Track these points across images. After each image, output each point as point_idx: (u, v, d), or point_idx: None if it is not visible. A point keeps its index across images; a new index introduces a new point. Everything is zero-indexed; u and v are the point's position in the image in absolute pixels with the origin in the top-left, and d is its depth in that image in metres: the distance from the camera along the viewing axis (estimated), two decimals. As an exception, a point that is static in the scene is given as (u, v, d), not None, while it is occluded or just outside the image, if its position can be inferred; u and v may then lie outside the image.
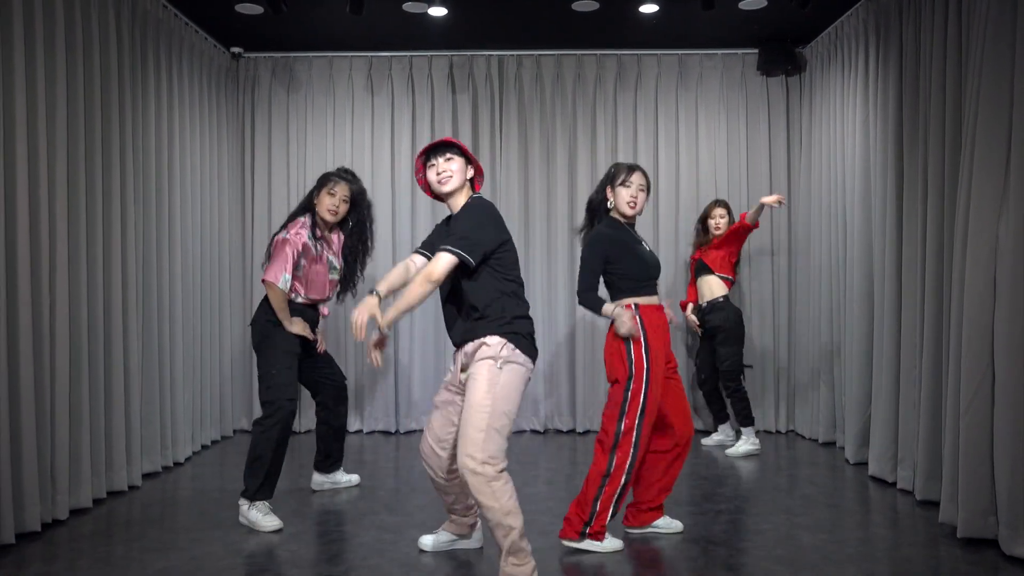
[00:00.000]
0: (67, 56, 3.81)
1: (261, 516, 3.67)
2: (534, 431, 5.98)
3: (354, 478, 4.44)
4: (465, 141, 5.97)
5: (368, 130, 6.01)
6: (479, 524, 3.39)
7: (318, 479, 4.35)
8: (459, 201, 3.00)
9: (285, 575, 3.08)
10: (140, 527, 3.68)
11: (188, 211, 5.11)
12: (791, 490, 4.33)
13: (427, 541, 3.36)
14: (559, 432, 5.94)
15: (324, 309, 4.21)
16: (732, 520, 3.75)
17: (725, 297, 5.24)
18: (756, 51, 5.86)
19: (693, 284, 5.45)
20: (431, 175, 3.00)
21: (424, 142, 5.97)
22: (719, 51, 5.94)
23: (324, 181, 4.02)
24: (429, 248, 3.14)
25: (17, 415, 3.40)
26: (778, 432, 5.93)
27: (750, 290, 5.92)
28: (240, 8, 5.08)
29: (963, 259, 3.41)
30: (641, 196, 3.47)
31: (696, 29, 5.58)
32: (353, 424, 5.98)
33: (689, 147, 5.98)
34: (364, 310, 2.82)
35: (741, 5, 5.07)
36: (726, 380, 5.20)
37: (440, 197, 3.04)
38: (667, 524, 3.58)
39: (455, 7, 5.06)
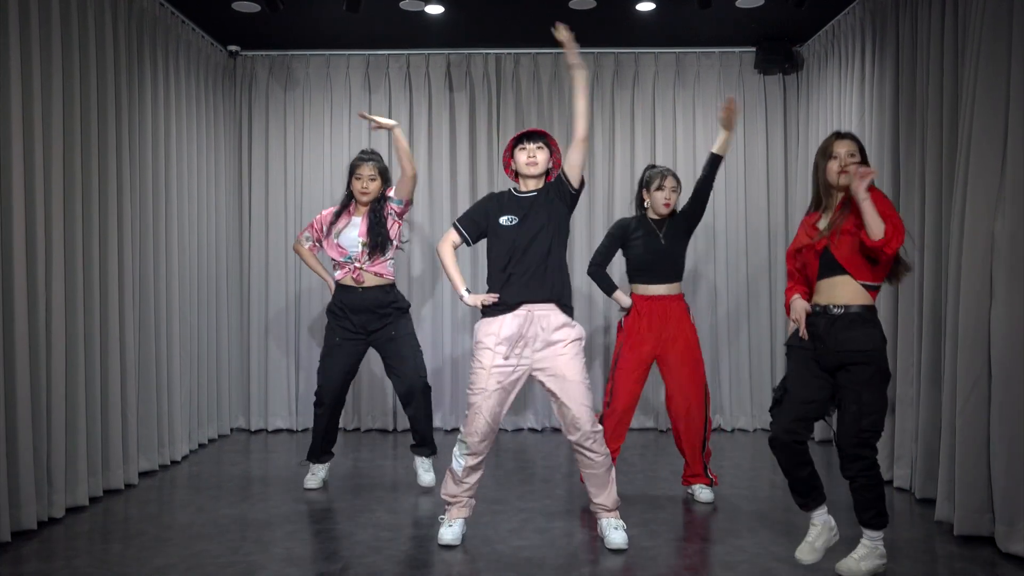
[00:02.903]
0: (63, 54, 3.80)
1: (308, 475, 4.31)
2: (531, 429, 5.98)
3: (426, 479, 4.29)
4: (462, 140, 5.98)
5: (366, 129, 6.00)
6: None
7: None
8: (533, 184, 3.39)
9: (282, 573, 3.08)
10: (137, 525, 3.68)
11: (185, 209, 5.11)
12: (787, 488, 4.32)
13: (449, 535, 3.35)
14: (556, 431, 5.94)
15: (358, 275, 4.16)
16: (730, 518, 3.75)
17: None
18: (753, 49, 5.87)
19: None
20: (521, 157, 3.36)
21: (422, 140, 5.98)
22: (716, 49, 5.94)
23: (351, 167, 4.27)
24: (469, 227, 3.44)
25: (13, 413, 3.40)
26: (775, 430, 5.93)
27: (747, 288, 5.92)
28: (237, 6, 5.07)
29: (959, 257, 3.41)
30: (674, 197, 4.05)
31: (693, 27, 5.58)
32: (351, 422, 5.98)
33: (686, 145, 5.98)
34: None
35: (738, 3, 5.07)
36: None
37: (517, 175, 3.42)
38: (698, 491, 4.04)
39: (452, 5, 5.06)
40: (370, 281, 4.17)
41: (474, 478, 3.38)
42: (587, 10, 5.16)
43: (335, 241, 4.22)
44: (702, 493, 4.01)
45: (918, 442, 3.92)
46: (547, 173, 3.41)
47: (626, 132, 5.99)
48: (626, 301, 4.05)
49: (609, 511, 3.38)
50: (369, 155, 4.27)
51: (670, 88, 5.98)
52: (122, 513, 3.90)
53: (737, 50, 5.93)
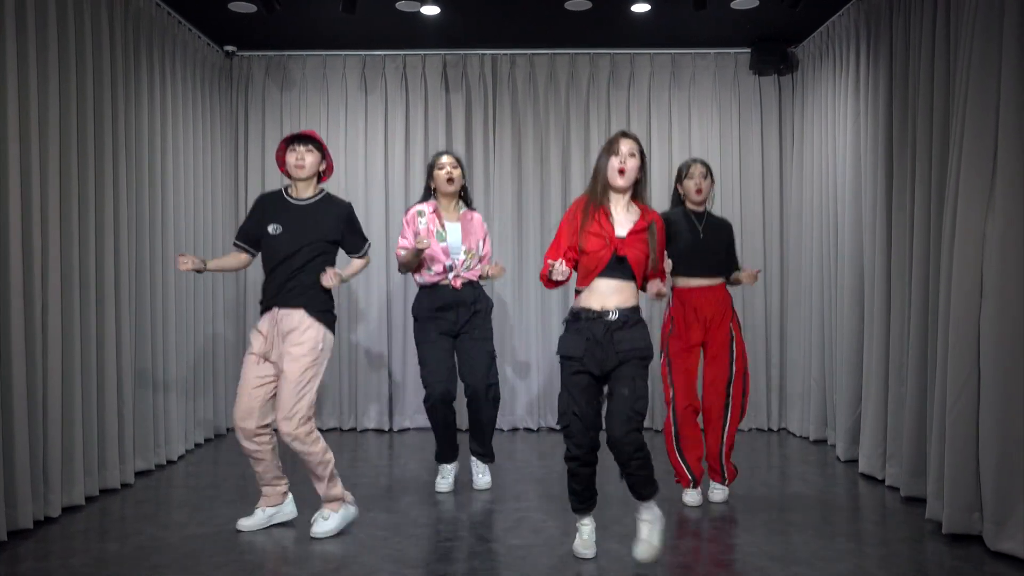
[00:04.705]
0: (59, 54, 3.81)
1: (439, 478, 4.27)
2: (527, 429, 6.00)
3: (480, 482, 4.26)
4: (459, 140, 6.00)
5: (362, 129, 6.02)
6: (290, 493, 3.73)
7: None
8: (308, 189, 3.61)
9: (277, 572, 3.09)
10: (133, 525, 3.69)
11: (181, 210, 5.11)
12: (783, 487, 4.37)
13: (246, 523, 3.58)
14: (552, 431, 5.96)
15: (456, 282, 4.18)
16: (724, 517, 3.77)
17: None
18: (749, 50, 5.88)
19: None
20: (290, 159, 3.55)
21: (418, 141, 6.01)
22: (712, 50, 5.96)
23: (431, 164, 4.32)
24: (246, 240, 3.65)
25: (10, 413, 3.41)
26: (770, 430, 5.96)
27: (742, 289, 5.93)
28: (233, 6, 5.08)
29: (950, 258, 3.44)
30: (705, 184, 4.05)
31: (689, 28, 5.60)
32: (347, 422, 6.00)
33: (682, 146, 6.00)
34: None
35: (733, 5, 5.09)
36: None
37: (290, 175, 3.60)
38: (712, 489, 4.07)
39: (448, 6, 5.08)
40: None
41: (259, 468, 3.57)
42: (583, 11, 5.18)
43: (439, 244, 4.17)
44: (715, 492, 4.03)
45: (904, 441, 3.94)
46: (320, 175, 3.63)
47: (622, 133, 6.00)
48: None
49: (325, 502, 3.57)
50: (444, 150, 4.45)
51: (665, 89, 6.00)
52: (118, 513, 3.91)
53: (732, 51, 5.95)
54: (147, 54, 4.70)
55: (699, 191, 4.05)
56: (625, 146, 3.10)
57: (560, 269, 3.00)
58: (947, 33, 3.71)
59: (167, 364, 4.89)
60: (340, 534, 3.52)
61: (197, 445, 5.37)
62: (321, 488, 3.52)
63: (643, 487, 3.05)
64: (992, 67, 3.29)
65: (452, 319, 4.17)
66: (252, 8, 5.08)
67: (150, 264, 4.67)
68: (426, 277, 4.21)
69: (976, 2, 3.35)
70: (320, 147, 3.60)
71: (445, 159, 4.28)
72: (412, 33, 5.57)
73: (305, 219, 3.53)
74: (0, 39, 3.41)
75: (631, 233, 3.07)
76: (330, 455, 3.51)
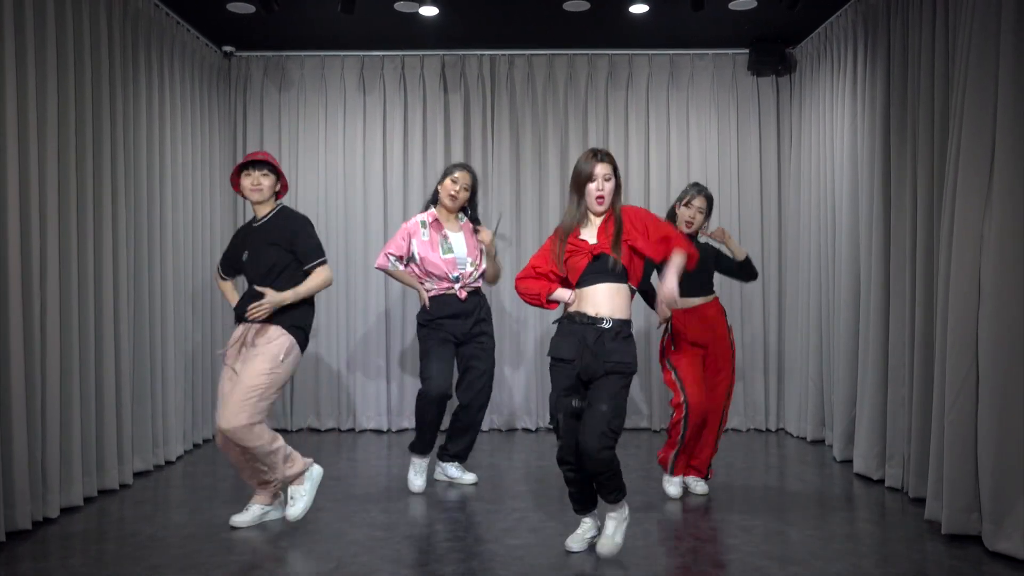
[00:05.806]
0: (58, 54, 3.81)
1: (412, 474, 4.27)
2: (526, 430, 6.00)
3: (468, 477, 4.39)
4: (457, 140, 6.01)
5: (360, 129, 6.02)
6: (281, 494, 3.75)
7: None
8: (266, 208, 3.68)
9: (275, 572, 3.09)
10: (131, 525, 3.69)
11: (179, 210, 5.11)
12: (780, 487, 4.37)
13: (239, 519, 3.62)
14: (550, 431, 5.96)
15: (462, 293, 4.24)
16: (721, 517, 3.78)
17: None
18: (747, 51, 5.89)
19: None
20: (246, 183, 3.62)
21: (416, 141, 6.01)
22: (710, 51, 5.97)
23: (448, 171, 4.34)
24: (228, 271, 3.87)
25: (8, 413, 3.40)
26: (767, 430, 5.97)
27: (740, 289, 5.94)
28: (232, 7, 5.08)
29: (948, 257, 3.44)
30: (699, 217, 4.04)
31: (687, 29, 5.61)
32: (345, 423, 6.00)
33: (680, 146, 6.00)
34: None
35: (731, 5, 5.10)
36: None
37: (245, 197, 3.69)
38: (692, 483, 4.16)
39: (446, 7, 5.08)
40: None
41: (251, 462, 3.56)
42: (581, 12, 5.19)
43: (443, 257, 4.22)
44: (698, 485, 4.15)
45: (911, 442, 3.95)
46: (276, 194, 3.69)
47: (620, 134, 6.01)
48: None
49: (288, 485, 3.63)
50: (467, 166, 4.39)
51: (664, 89, 6.01)
52: (117, 513, 3.91)
53: (731, 52, 5.96)
54: (145, 54, 4.70)
55: (689, 224, 4.06)
56: (601, 170, 3.15)
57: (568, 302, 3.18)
58: (945, 34, 3.72)
59: (165, 365, 4.88)
60: (337, 535, 3.53)
61: (195, 446, 5.37)
62: (278, 475, 3.54)
63: (610, 492, 3.14)
64: (989, 68, 3.30)
65: (458, 327, 4.25)
66: (251, 8, 5.08)
67: (148, 264, 4.66)
68: (431, 288, 4.25)
69: (973, 3, 3.36)
70: (275, 169, 3.66)
71: (459, 174, 4.30)
72: (411, 34, 5.58)
73: (264, 239, 3.64)
74: (-1, 39, 3.41)
75: (599, 235, 3.18)
76: (278, 442, 3.50)
